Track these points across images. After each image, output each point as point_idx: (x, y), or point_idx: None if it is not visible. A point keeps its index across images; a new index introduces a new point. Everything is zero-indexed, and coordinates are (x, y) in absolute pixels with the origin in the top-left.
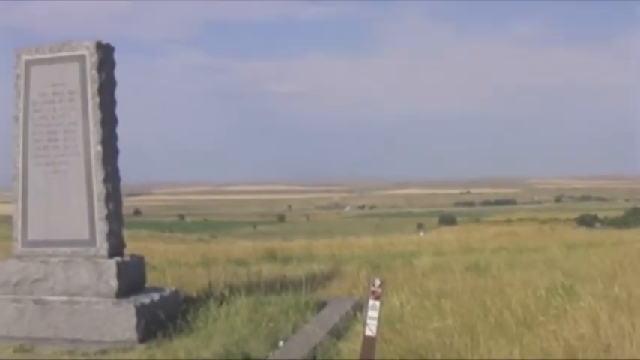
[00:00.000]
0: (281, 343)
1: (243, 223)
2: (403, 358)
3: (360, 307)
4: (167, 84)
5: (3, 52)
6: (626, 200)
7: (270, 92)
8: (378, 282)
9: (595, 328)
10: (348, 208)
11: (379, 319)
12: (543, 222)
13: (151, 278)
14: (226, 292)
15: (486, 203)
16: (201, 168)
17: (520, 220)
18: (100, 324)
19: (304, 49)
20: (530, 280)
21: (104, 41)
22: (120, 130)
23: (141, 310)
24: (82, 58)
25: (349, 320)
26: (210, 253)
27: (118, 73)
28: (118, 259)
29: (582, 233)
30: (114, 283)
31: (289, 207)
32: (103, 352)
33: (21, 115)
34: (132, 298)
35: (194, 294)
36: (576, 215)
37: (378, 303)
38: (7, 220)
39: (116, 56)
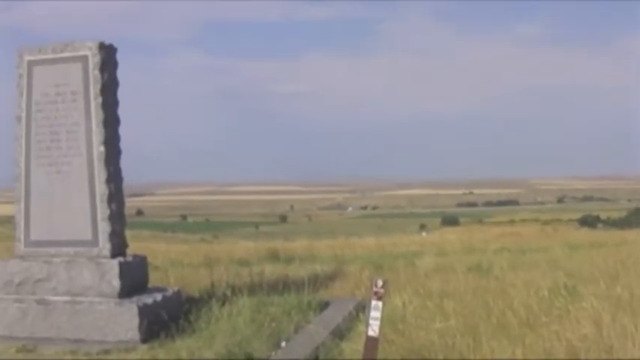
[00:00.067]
0: (283, 344)
1: (245, 223)
2: (405, 358)
3: (363, 307)
4: (169, 84)
5: (5, 52)
6: (629, 200)
7: (272, 92)
8: (380, 282)
9: (598, 328)
10: (351, 208)
11: (382, 319)
12: (546, 222)
13: (154, 278)
14: (229, 293)
15: (489, 204)
16: (203, 168)
17: (523, 220)
18: (102, 324)
19: (306, 49)
20: (533, 281)
21: (106, 42)
22: (122, 131)
23: (143, 311)
24: (84, 59)
25: (352, 321)
26: (213, 253)
27: (120, 73)
28: (121, 259)
29: (585, 234)
30: (116, 283)
31: (291, 207)
32: (106, 352)
33: (23, 115)
34: (134, 299)
35: (196, 294)
36: (579, 216)
37: (380, 303)
38: (10, 220)
39: (118, 57)
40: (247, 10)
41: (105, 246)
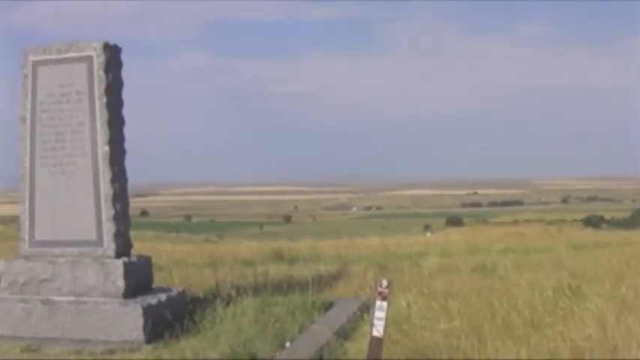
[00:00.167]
0: (288, 344)
1: (249, 223)
2: (410, 358)
3: (367, 307)
4: (172, 84)
5: (9, 52)
6: (633, 201)
7: (276, 93)
8: (385, 283)
9: (602, 329)
10: (355, 208)
11: (386, 319)
12: (550, 223)
13: (158, 279)
14: (233, 293)
15: (493, 204)
16: (207, 168)
17: (527, 220)
18: (107, 324)
19: (309, 50)
20: (537, 281)
21: (111, 42)
22: (126, 131)
23: (148, 311)
24: (89, 59)
25: (356, 321)
26: (217, 253)
27: (123, 73)
28: (125, 259)
29: (589, 234)
30: (121, 283)
31: (296, 208)
32: (110, 352)
33: (28, 115)
34: (139, 299)
35: (201, 294)
36: (583, 216)
37: (385, 304)
38: (14, 220)
39: (121, 57)
40: (250, 10)
41: (109, 246)
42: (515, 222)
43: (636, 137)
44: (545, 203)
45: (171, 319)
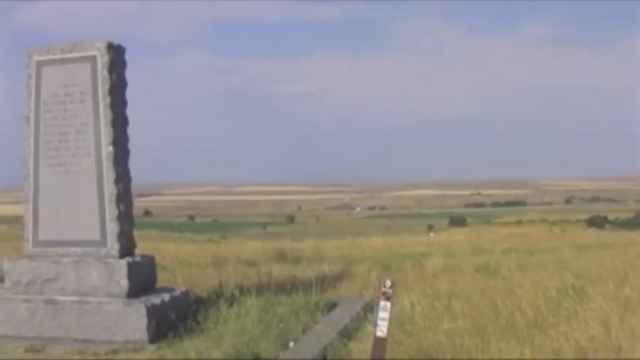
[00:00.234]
0: (291, 344)
1: (252, 223)
2: (413, 359)
3: (371, 308)
4: (174, 84)
5: (11, 52)
6: (637, 201)
7: (279, 93)
8: (388, 283)
9: (606, 329)
10: (358, 208)
11: (390, 320)
12: (553, 223)
13: (162, 279)
14: (237, 293)
15: (496, 204)
16: (210, 168)
17: (530, 221)
18: (110, 324)
19: (311, 49)
20: (541, 282)
21: (115, 42)
22: (130, 131)
23: (152, 311)
24: (93, 59)
25: (360, 321)
26: (221, 253)
27: (127, 73)
28: (129, 259)
29: (593, 234)
30: (125, 283)
31: (299, 208)
32: (114, 352)
33: (32, 115)
34: (143, 299)
35: (204, 294)
36: (586, 216)
37: (388, 304)
38: (18, 220)
39: (125, 57)
40: (251, 11)
41: (113, 246)
42: (519, 222)
43: (638, 138)
44: (549, 204)
45: (174, 319)
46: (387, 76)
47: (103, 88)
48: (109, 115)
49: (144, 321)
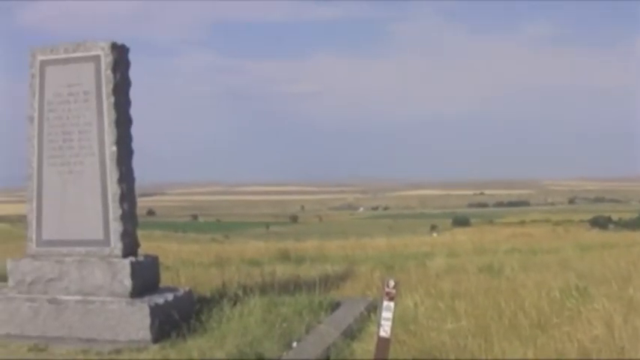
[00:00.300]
0: (295, 344)
1: (256, 223)
2: (417, 359)
3: (374, 308)
4: (178, 84)
5: (15, 51)
6: None
7: (281, 92)
8: (392, 283)
9: (609, 330)
10: (362, 208)
11: (393, 320)
12: (557, 223)
13: (165, 278)
14: (240, 293)
15: (500, 204)
16: (213, 168)
17: (534, 221)
18: (114, 324)
19: (315, 49)
20: (544, 282)
21: (119, 42)
22: (132, 131)
23: (155, 310)
24: (96, 59)
25: (363, 321)
26: (224, 253)
27: (130, 73)
28: (132, 259)
29: (596, 235)
30: (128, 282)
31: (302, 208)
32: (117, 351)
33: (36, 115)
34: (146, 298)
35: (208, 294)
36: (590, 217)
37: (392, 304)
38: (22, 219)
39: (129, 57)
40: (254, 10)
41: (117, 245)
42: (522, 222)
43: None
44: (552, 204)
45: (178, 318)
46: (389, 76)
47: (106, 88)
48: (113, 115)
49: (147, 321)
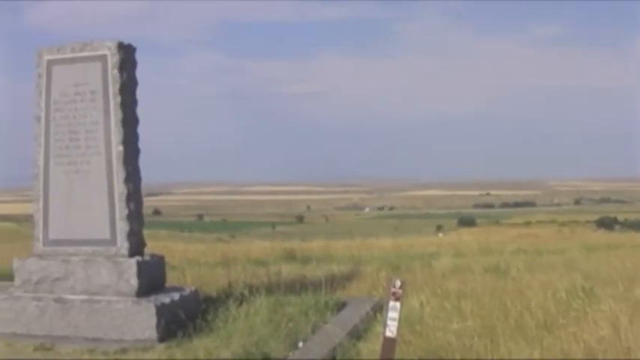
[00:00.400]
0: (301, 344)
1: (261, 223)
2: (423, 359)
3: (380, 308)
4: (184, 84)
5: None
6: None
7: (286, 92)
8: (398, 283)
9: (615, 331)
10: (367, 209)
11: (399, 320)
12: (563, 224)
13: (171, 278)
14: (246, 292)
15: (505, 205)
16: (219, 168)
17: (539, 222)
18: (120, 323)
19: (320, 49)
20: (550, 283)
21: (125, 41)
22: (139, 130)
23: (161, 310)
24: (103, 58)
25: (369, 321)
26: (230, 253)
27: (136, 73)
28: (139, 258)
29: (602, 235)
30: (134, 282)
31: (308, 208)
32: (123, 351)
33: (42, 114)
34: (152, 298)
35: (214, 294)
36: (596, 217)
37: (398, 304)
38: (28, 218)
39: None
40: (261, 10)
41: (123, 245)
42: (528, 223)
43: None
44: (558, 204)
45: (184, 318)
46: (394, 76)
47: (113, 88)
48: (120, 114)
49: (153, 320)
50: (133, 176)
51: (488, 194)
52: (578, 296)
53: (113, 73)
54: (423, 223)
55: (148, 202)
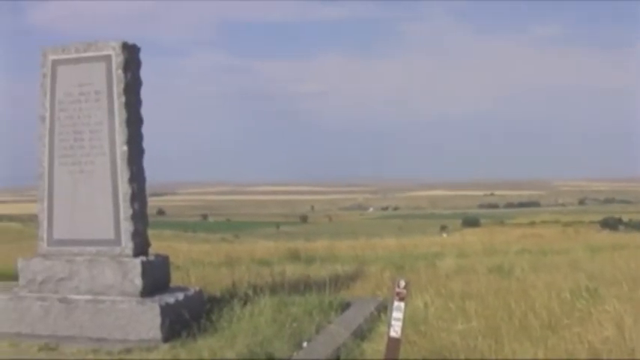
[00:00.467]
0: (305, 344)
1: (265, 223)
2: (427, 359)
3: (384, 308)
4: (187, 84)
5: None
6: None
7: (291, 92)
8: (402, 283)
9: (620, 331)
10: (371, 209)
11: (403, 320)
12: (567, 224)
13: (175, 278)
14: (250, 292)
15: (510, 205)
16: (223, 168)
17: (544, 222)
18: (124, 323)
19: (322, 49)
20: (555, 283)
21: (130, 41)
22: (143, 131)
23: (165, 310)
24: (108, 58)
25: (373, 321)
26: (234, 253)
27: (141, 73)
28: (143, 258)
29: (606, 236)
30: (138, 282)
31: (312, 208)
32: (127, 351)
33: (47, 114)
34: (156, 298)
35: (218, 294)
36: (600, 217)
37: (402, 304)
38: (33, 218)
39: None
40: (262, 10)
41: (127, 245)
42: (532, 223)
43: None
44: (562, 205)
45: (188, 318)
46: (397, 76)
47: (117, 88)
48: (124, 115)
49: (157, 320)
50: (137, 176)
51: (492, 194)
52: (583, 297)
53: (117, 73)
54: (427, 223)
55: (153, 202)
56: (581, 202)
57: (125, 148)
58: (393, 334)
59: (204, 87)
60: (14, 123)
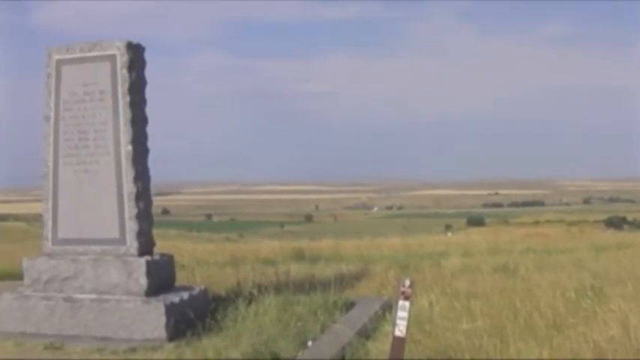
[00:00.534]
0: (310, 343)
1: (270, 222)
2: (432, 359)
3: (389, 307)
4: (191, 84)
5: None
6: None
7: (295, 92)
8: (407, 282)
9: (625, 330)
10: (376, 208)
11: (408, 319)
12: (571, 223)
13: (180, 277)
14: (255, 292)
15: (514, 204)
16: (227, 168)
17: (548, 221)
18: (129, 322)
19: (327, 49)
20: (559, 282)
21: (134, 41)
22: (147, 130)
23: (170, 309)
24: (112, 58)
25: (378, 321)
26: (239, 252)
27: (146, 72)
28: (148, 257)
29: (611, 235)
30: (143, 281)
31: (317, 207)
32: (132, 350)
33: (52, 114)
34: (161, 297)
35: (223, 293)
36: (605, 217)
37: (407, 303)
38: (38, 218)
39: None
40: (267, 10)
41: (132, 244)
42: (537, 222)
43: None
44: (567, 204)
45: (193, 317)
46: (401, 76)
47: (122, 87)
48: (129, 114)
49: (162, 319)
50: (142, 176)
51: (497, 194)
52: (588, 296)
53: (122, 73)
54: (431, 222)
55: (157, 202)
56: (586, 202)
57: (130, 147)
58: (397, 333)
59: (208, 86)
60: (14, 123)
